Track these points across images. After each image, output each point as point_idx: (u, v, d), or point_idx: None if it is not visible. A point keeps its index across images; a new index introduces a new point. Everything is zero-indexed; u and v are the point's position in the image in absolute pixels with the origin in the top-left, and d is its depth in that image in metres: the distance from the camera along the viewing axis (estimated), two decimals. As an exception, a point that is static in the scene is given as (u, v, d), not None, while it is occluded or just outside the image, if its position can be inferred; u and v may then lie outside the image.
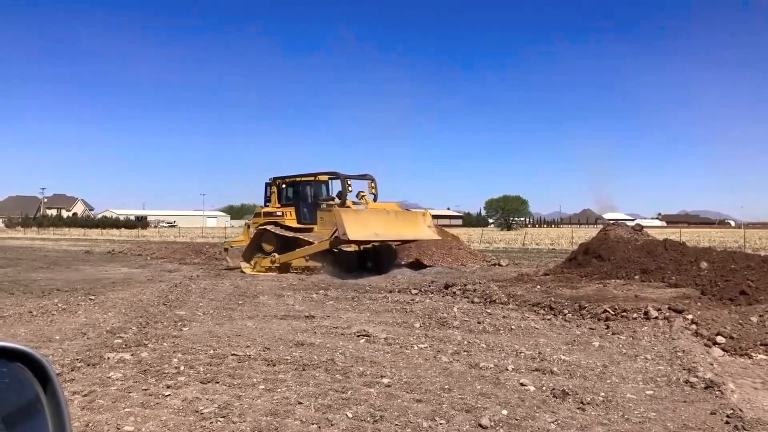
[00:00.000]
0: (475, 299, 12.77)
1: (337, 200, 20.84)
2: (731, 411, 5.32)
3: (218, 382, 6.34)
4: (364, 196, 21.04)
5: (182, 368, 6.92)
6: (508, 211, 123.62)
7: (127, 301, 12.66)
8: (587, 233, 44.21)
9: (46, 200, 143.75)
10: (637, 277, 15.51)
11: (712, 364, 7.23)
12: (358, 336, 8.99)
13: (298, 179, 21.89)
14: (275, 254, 20.75)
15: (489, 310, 11.33)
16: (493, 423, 5.08)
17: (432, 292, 14.11)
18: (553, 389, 6.04)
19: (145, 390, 6.04)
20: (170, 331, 9.35)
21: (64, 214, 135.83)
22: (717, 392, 5.95)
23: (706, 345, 8.32)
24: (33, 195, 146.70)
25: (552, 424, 5.10)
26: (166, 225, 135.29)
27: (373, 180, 21.59)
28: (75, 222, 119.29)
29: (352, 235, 17.32)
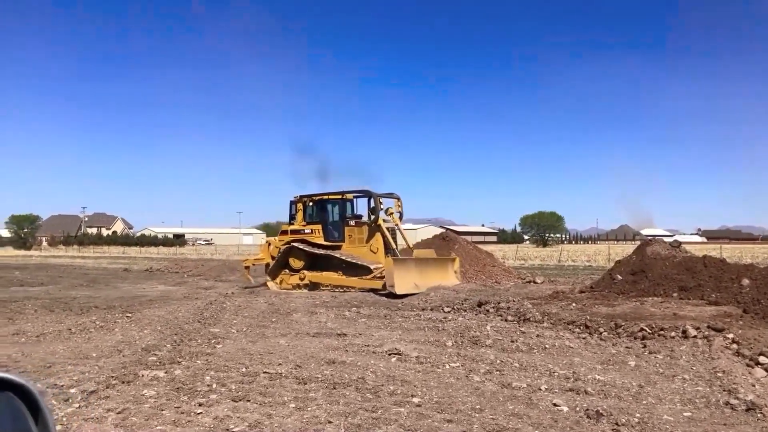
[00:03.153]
0: (509, 317, 12.62)
1: (365, 218, 21.17)
2: (773, 434, 5.15)
3: (249, 400, 6.36)
4: (392, 213, 21.12)
5: (214, 386, 6.97)
6: (543, 228, 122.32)
7: (162, 318, 12.83)
8: (624, 250, 43.48)
9: (86, 219, 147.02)
10: (675, 294, 15.16)
11: (754, 386, 7.00)
12: (390, 354, 8.95)
13: (325, 197, 22.09)
14: (304, 271, 20.89)
15: (523, 329, 11.18)
16: (524, 444, 4.99)
17: (465, 310, 13.99)
18: (587, 410, 5.93)
19: (177, 408, 6.10)
20: (204, 349, 9.44)
21: (104, 232, 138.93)
22: (759, 414, 5.76)
23: (747, 365, 8.06)
24: (74, 214, 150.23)
25: (585, 446, 4.99)
26: (203, 243, 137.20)
27: (399, 198, 21.78)
28: (114, 240, 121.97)
29: (400, 289, 17.38)
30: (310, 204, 22.31)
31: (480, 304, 14.37)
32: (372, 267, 19.67)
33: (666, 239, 23.36)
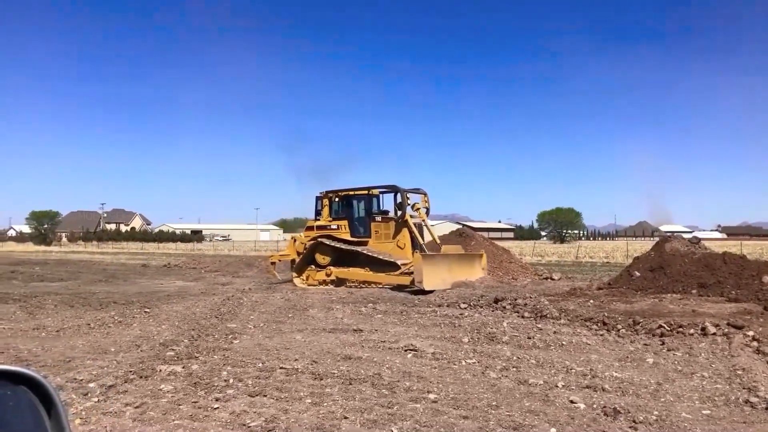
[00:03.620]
0: (526, 314, 12.56)
1: (391, 213, 21.15)
2: (794, 433, 5.08)
3: (266, 396, 6.39)
4: (419, 209, 21.00)
5: (231, 381, 7.01)
6: (560, 224, 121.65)
7: (180, 314, 12.93)
8: (643, 246, 43.15)
9: (105, 215, 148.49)
10: (694, 291, 15.02)
11: (774, 383, 6.92)
12: (406, 350, 8.95)
13: (351, 193, 22.06)
14: (331, 267, 20.90)
15: (540, 326, 11.13)
16: (541, 441, 4.97)
17: (481, 307, 13.95)
18: (605, 407, 5.88)
19: (195, 402, 6.14)
20: (221, 344, 9.50)
21: (123, 228, 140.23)
22: (779, 413, 5.69)
23: (768, 363, 7.97)
24: (93, 210, 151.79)
25: (602, 444, 4.96)
26: (221, 239, 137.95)
27: (425, 194, 21.71)
28: (133, 236, 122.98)
29: (428, 285, 17.34)
30: (336, 199, 22.24)
31: (497, 301, 14.32)
32: (399, 263, 19.59)
33: (685, 235, 23.14)
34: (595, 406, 5.98)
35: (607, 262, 38.02)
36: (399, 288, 18.63)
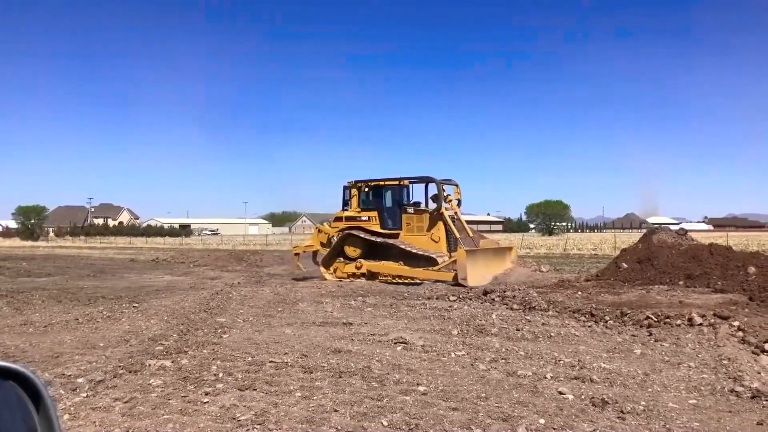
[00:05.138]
0: (515, 306, 12.63)
1: (423, 206, 20.66)
2: (779, 422, 5.14)
3: (255, 389, 6.39)
4: (450, 201, 20.20)
5: (221, 375, 7.01)
6: (549, 216, 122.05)
7: (169, 308, 12.89)
8: (630, 238, 43.40)
9: (93, 210, 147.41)
10: (681, 282, 15.15)
11: (759, 373, 7.00)
12: (395, 343, 8.98)
13: (381, 183, 21.19)
14: (361, 260, 20.22)
15: (528, 317, 11.19)
16: (529, 432, 5.01)
17: (470, 299, 14.01)
18: (593, 398, 5.94)
19: (184, 397, 6.14)
20: (210, 339, 9.48)
21: (111, 223, 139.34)
22: (764, 402, 5.76)
23: (753, 353, 8.05)
24: (81, 205, 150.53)
25: (590, 434, 5.00)
26: (209, 233, 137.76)
27: (457, 185, 21.09)
28: (121, 231, 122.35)
29: (472, 281, 16.95)
30: (366, 189, 21.18)
31: (485, 293, 14.39)
32: (437, 258, 18.98)
33: (672, 227, 23.32)
34: (583, 396, 6.03)
35: (595, 254, 38.24)
36: (441, 283, 17.76)
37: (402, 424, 5.23)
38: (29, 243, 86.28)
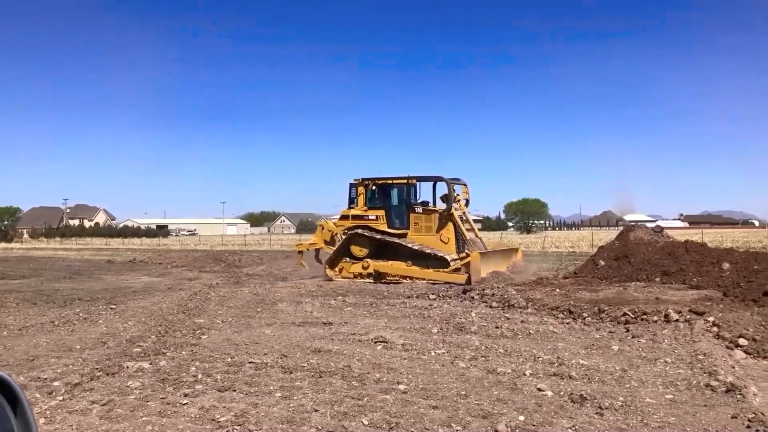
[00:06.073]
0: (494, 304, 12.71)
1: (431, 205, 20.39)
2: (753, 415, 5.23)
3: (235, 390, 6.36)
4: (459, 200, 19.98)
5: (200, 376, 6.95)
6: (527, 215, 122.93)
7: (147, 309, 12.78)
8: (608, 235, 43.86)
9: (68, 210, 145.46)
10: (657, 279, 15.37)
11: (733, 367, 7.13)
12: (376, 342, 8.99)
13: (389, 181, 20.73)
14: (368, 260, 19.71)
15: (507, 315, 11.27)
16: (509, 429, 5.04)
17: (450, 297, 14.07)
18: (571, 394, 5.99)
19: (163, 399, 6.08)
20: (189, 340, 9.41)
21: (87, 224, 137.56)
22: (738, 396, 5.85)
23: (727, 347, 8.21)
24: (56, 206, 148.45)
25: (569, 430, 5.05)
26: (187, 233, 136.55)
27: (466, 185, 20.88)
28: (97, 232, 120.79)
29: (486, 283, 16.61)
30: (373, 188, 20.80)
31: (465, 291, 14.49)
32: (449, 259, 18.64)
33: (648, 224, 23.62)
34: (562, 393, 6.08)
35: (573, 252, 38.54)
36: (450, 284, 17.39)
37: (382, 422, 5.24)
38: (2, 245, 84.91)
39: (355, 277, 19.78)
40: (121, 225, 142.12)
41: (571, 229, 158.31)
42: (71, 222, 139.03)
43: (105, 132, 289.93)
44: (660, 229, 20.02)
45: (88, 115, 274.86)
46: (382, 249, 19.78)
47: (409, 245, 19.22)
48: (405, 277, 18.89)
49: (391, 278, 19.11)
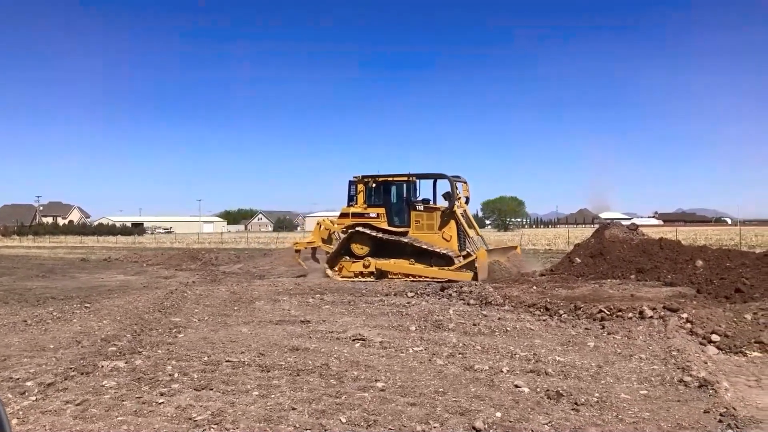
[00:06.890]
0: (471, 301, 12.79)
1: (432, 203, 20.29)
2: (725, 409, 5.32)
3: (212, 389, 6.31)
4: (459, 198, 19.91)
5: (176, 375, 6.89)
6: (504, 213, 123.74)
7: (122, 308, 12.63)
8: (584, 233, 44.23)
9: (41, 208, 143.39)
10: (632, 276, 15.55)
11: (706, 363, 7.23)
12: (354, 340, 8.99)
13: (390, 179, 20.39)
14: (369, 258, 19.52)
15: (485, 312, 11.34)
16: (486, 425, 5.07)
17: (428, 295, 14.12)
18: (548, 390, 6.04)
19: (139, 398, 6.02)
20: (165, 338, 9.33)
21: (60, 222, 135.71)
22: (711, 391, 5.95)
23: (701, 343, 8.34)
24: (28, 203, 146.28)
25: (546, 426, 5.09)
26: (163, 231, 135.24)
27: (466, 183, 20.79)
28: (71, 230, 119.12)
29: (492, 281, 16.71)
30: (373, 185, 20.39)
31: (443, 289, 14.54)
32: (453, 257, 18.60)
33: (624, 222, 23.89)
34: (538, 389, 6.13)
35: (550, 249, 38.89)
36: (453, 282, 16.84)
37: (360, 420, 5.24)
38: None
39: (356, 276, 19.52)
40: (95, 223, 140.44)
41: (548, 227, 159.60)
42: (44, 220, 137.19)
43: (79, 129, 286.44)
44: (635, 227, 20.26)
45: (62, 111, 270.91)
46: (383, 247, 19.61)
47: (419, 243, 19.06)
48: (408, 276, 18.75)
49: (393, 276, 18.95)
